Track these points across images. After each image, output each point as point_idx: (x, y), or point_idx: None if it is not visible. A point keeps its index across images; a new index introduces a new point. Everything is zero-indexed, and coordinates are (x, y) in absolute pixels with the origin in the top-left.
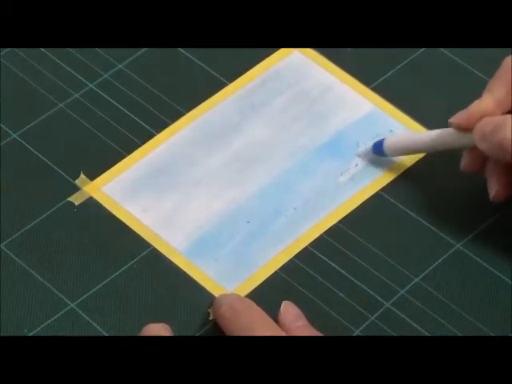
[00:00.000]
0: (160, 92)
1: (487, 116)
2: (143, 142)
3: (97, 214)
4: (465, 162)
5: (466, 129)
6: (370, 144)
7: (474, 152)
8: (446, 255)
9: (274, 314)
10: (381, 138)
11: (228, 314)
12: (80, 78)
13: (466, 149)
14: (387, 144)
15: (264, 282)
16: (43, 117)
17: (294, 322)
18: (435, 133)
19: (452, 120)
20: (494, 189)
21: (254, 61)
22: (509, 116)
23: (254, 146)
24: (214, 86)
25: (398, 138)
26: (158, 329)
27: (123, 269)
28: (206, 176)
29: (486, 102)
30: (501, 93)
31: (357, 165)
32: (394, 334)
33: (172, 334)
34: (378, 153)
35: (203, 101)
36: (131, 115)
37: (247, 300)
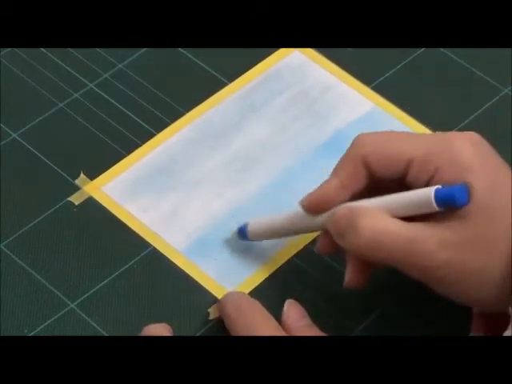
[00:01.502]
0: (160, 92)
1: (333, 199)
2: (143, 142)
3: (97, 214)
4: (319, 244)
5: (315, 212)
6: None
7: (329, 235)
8: None
9: (274, 313)
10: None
11: (233, 313)
12: (80, 77)
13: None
14: (251, 229)
15: (264, 281)
16: (43, 117)
17: (298, 321)
18: (290, 216)
19: (301, 203)
20: (347, 275)
21: (254, 61)
22: (357, 215)
23: (254, 145)
24: (214, 86)
25: (259, 222)
26: (158, 329)
27: (123, 269)
28: (206, 176)
29: (331, 185)
30: (348, 173)
31: None
32: (395, 334)
33: (172, 334)
34: (244, 237)
35: (203, 101)
36: (131, 115)
37: (253, 300)
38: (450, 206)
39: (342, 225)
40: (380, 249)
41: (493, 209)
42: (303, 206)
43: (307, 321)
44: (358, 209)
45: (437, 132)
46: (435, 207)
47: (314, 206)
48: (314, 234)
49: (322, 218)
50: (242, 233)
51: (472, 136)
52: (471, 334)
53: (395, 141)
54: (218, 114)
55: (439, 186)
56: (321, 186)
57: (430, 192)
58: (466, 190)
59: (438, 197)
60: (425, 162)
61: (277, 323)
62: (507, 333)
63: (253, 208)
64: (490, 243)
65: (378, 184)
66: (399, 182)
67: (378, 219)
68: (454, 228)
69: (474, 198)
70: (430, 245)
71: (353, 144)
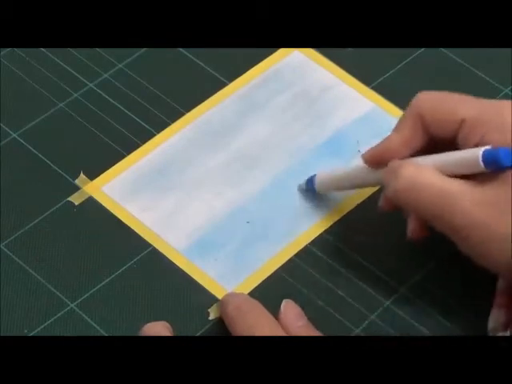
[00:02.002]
0: (160, 92)
1: (394, 154)
2: (143, 142)
3: (97, 214)
4: (381, 202)
5: (375, 166)
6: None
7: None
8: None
9: (274, 313)
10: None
11: (234, 313)
12: (80, 77)
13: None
14: (318, 180)
15: (264, 281)
16: (43, 117)
17: (295, 321)
18: (354, 169)
19: (362, 155)
20: (409, 227)
21: (254, 61)
22: (403, 164)
23: (254, 145)
24: (214, 86)
25: (326, 174)
26: (158, 327)
27: (123, 269)
28: (206, 176)
29: (392, 140)
30: (407, 132)
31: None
32: (395, 334)
33: (172, 333)
34: (310, 189)
35: (203, 101)
36: (131, 115)
37: (254, 301)
38: (496, 166)
39: (389, 172)
40: (416, 197)
41: None
42: (365, 160)
43: (304, 321)
44: (405, 160)
45: (491, 100)
46: (482, 167)
47: (375, 160)
48: (314, 235)
49: (381, 173)
50: (310, 184)
51: None
52: (492, 313)
53: (450, 100)
54: (217, 113)
55: (488, 147)
56: (382, 140)
57: (478, 151)
58: None
59: (486, 156)
60: (476, 124)
61: (277, 323)
62: None
63: (253, 208)
64: None
65: (434, 144)
66: (453, 143)
67: (419, 169)
68: (488, 189)
69: None
70: (463, 201)
71: (412, 102)
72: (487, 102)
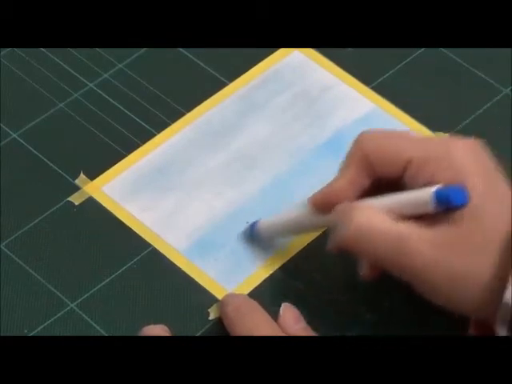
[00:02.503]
0: (160, 92)
1: (340, 197)
2: (143, 142)
3: (97, 214)
4: (329, 244)
5: (322, 210)
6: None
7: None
8: None
9: (273, 314)
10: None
11: (233, 315)
12: (80, 77)
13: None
14: (260, 227)
15: (264, 281)
16: (43, 117)
17: (293, 324)
18: (298, 214)
19: (309, 201)
20: (361, 270)
21: (254, 61)
22: (353, 209)
23: (255, 145)
24: (214, 86)
25: (269, 220)
26: (156, 330)
27: (123, 269)
28: (206, 176)
29: (338, 183)
30: (353, 173)
31: None
32: (394, 334)
33: (170, 336)
34: (252, 237)
35: (203, 101)
36: (131, 115)
37: (253, 302)
38: (449, 205)
39: (337, 218)
40: (368, 243)
41: (485, 215)
42: (311, 204)
43: (303, 324)
44: (355, 204)
45: (437, 135)
46: (433, 206)
47: (322, 204)
48: (314, 235)
49: (329, 216)
50: (251, 231)
51: (471, 143)
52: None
53: (396, 139)
54: (218, 114)
55: (439, 186)
56: (328, 184)
57: (429, 191)
58: (465, 192)
59: (438, 196)
60: (423, 163)
61: (276, 324)
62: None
63: (253, 208)
64: (478, 248)
65: (381, 184)
66: (399, 183)
67: (369, 214)
68: (444, 229)
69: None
70: (418, 243)
71: (354, 142)
72: (433, 140)
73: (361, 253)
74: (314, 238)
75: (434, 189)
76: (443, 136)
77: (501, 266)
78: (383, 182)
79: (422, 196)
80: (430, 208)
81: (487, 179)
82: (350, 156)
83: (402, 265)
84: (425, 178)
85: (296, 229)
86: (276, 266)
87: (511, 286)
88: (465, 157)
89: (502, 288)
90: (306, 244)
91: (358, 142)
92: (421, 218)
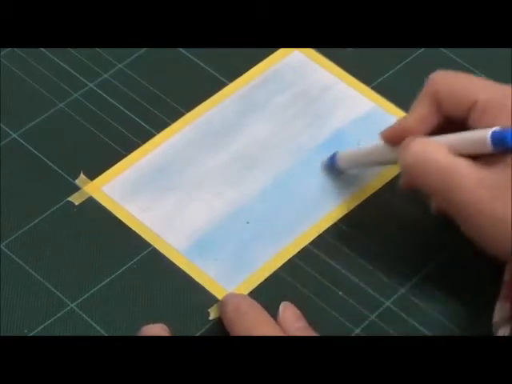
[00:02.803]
0: (160, 92)
1: (410, 132)
2: (143, 142)
3: (97, 214)
4: (401, 180)
5: (393, 144)
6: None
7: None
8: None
9: (273, 313)
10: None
11: (233, 315)
12: (80, 77)
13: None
14: (340, 156)
15: (264, 281)
16: (43, 117)
17: (293, 323)
18: (374, 147)
19: (380, 133)
20: (432, 205)
21: (254, 61)
22: (413, 139)
23: (255, 145)
24: (214, 86)
25: (348, 151)
26: (156, 329)
27: (123, 269)
28: (206, 176)
29: (409, 119)
30: (423, 110)
31: None
32: (395, 334)
33: (170, 334)
34: (333, 166)
35: (203, 101)
36: (131, 115)
37: (253, 302)
38: (504, 147)
39: (401, 148)
40: (422, 171)
41: None
42: (383, 137)
43: (303, 322)
44: (417, 137)
45: (506, 84)
46: (490, 147)
47: (393, 138)
48: (314, 235)
49: (397, 150)
50: (331, 162)
51: None
52: (497, 307)
53: (465, 82)
54: (217, 113)
55: (496, 128)
56: (400, 119)
57: (487, 132)
58: None
59: (494, 137)
60: (487, 107)
61: (276, 324)
62: None
63: (253, 208)
64: None
65: (450, 124)
66: (466, 125)
67: (427, 145)
68: (494, 171)
69: None
70: (468, 180)
71: (427, 80)
72: (500, 86)
73: (416, 180)
74: (313, 238)
75: (491, 130)
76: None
77: None
78: (453, 123)
79: (480, 135)
80: (486, 148)
81: None
82: (422, 93)
83: (450, 198)
84: (487, 121)
85: (371, 160)
86: (276, 266)
87: None
88: None
89: None
90: (305, 243)
91: (430, 81)
92: (479, 158)
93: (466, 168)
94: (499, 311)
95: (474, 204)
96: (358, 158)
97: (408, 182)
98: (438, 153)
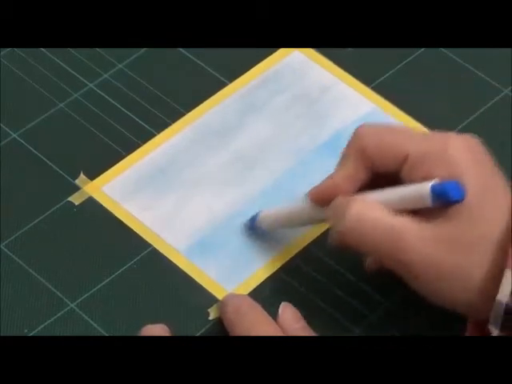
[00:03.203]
0: (160, 92)
1: (338, 191)
2: (143, 142)
3: (97, 214)
4: (330, 239)
5: (320, 204)
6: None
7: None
8: None
9: (273, 314)
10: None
11: (232, 315)
12: (80, 77)
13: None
14: (261, 219)
15: (264, 281)
16: (43, 117)
17: (293, 324)
18: (297, 207)
19: (308, 193)
20: (366, 262)
21: (254, 61)
22: (348, 202)
23: (255, 145)
24: (214, 86)
25: (269, 212)
26: (156, 330)
27: (123, 269)
28: (206, 176)
29: (336, 176)
30: (351, 167)
31: None
32: (395, 334)
33: (170, 335)
34: (253, 228)
35: (203, 101)
36: (131, 115)
37: (253, 302)
38: (445, 200)
39: (334, 211)
40: (363, 235)
41: (480, 212)
42: (310, 198)
43: (302, 323)
44: (352, 198)
45: (435, 131)
46: (430, 201)
47: (321, 198)
48: (313, 236)
49: (327, 210)
50: (252, 223)
51: (468, 139)
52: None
53: (394, 134)
54: (218, 114)
55: (435, 180)
56: (327, 177)
57: (426, 186)
58: (461, 187)
59: (435, 190)
60: (420, 159)
61: (276, 324)
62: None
63: (253, 208)
64: (469, 245)
65: (379, 179)
66: (397, 178)
67: (365, 206)
68: (438, 225)
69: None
70: (412, 237)
71: (353, 136)
72: (431, 135)
73: (357, 245)
74: (313, 238)
75: (430, 183)
76: (441, 132)
77: (494, 265)
78: (381, 177)
79: (419, 190)
80: (427, 202)
81: (484, 177)
82: (349, 149)
83: (396, 258)
84: (421, 174)
85: (295, 221)
86: (276, 267)
87: (504, 286)
88: (462, 153)
89: (494, 287)
90: (305, 244)
91: (357, 136)
92: (417, 213)
93: (409, 226)
94: None
95: (422, 260)
96: (281, 220)
97: (344, 244)
98: (378, 214)
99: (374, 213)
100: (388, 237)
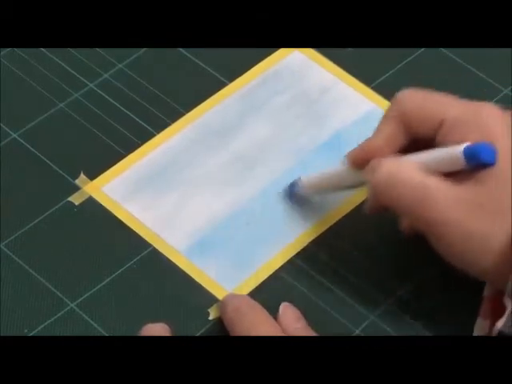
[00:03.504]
0: (160, 92)
1: (377, 154)
2: (143, 142)
3: (97, 214)
4: (366, 204)
5: (359, 166)
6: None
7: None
8: None
9: (273, 314)
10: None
11: (233, 314)
12: (80, 77)
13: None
14: (302, 182)
15: (264, 281)
16: (43, 117)
17: (293, 324)
18: (337, 171)
19: (346, 156)
20: (402, 224)
21: (254, 61)
22: (382, 160)
23: (255, 146)
24: (214, 86)
25: (311, 176)
26: (157, 329)
27: (123, 269)
28: (206, 176)
29: (375, 140)
30: (389, 130)
31: None
32: (395, 334)
33: (171, 334)
34: (293, 194)
35: (203, 101)
36: (131, 115)
37: (253, 302)
38: (477, 162)
39: (370, 168)
40: (394, 191)
41: (508, 178)
42: (349, 160)
43: (303, 323)
44: (387, 157)
45: (471, 101)
46: (462, 162)
47: (359, 160)
48: (314, 235)
49: (365, 172)
50: (292, 189)
51: (501, 110)
52: (477, 323)
53: (432, 100)
54: (218, 114)
55: (468, 143)
56: (366, 140)
57: (459, 148)
58: (493, 150)
59: (467, 152)
60: (455, 124)
61: (276, 324)
62: (500, 322)
63: (253, 208)
64: (497, 210)
65: (417, 143)
66: (434, 144)
67: (398, 164)
68: (467, 187)
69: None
70: (440, 197)
71: (393, 100)
72: (467, 103)
73: (388, 202)
74: (313, 238)
75: (463, 146)
76: (474, 102)
77: None
78: (419, 142)
79: (452, 152)
80: (459, 164)
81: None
82: (388, 113)
83: (424, 216)
84: (456, 138)
85: (336, 185)
86: (276, 267)
87: None
88: (494, 121)
89: None
90: (305, 244)
91: (397, 100)
92: (450, 175)
93: (439, 186)
94: (478, 327)
95: (449, 221)
96: (322, 183)
97: (378, 203)
98: (410, 172)
99: (404, 170)
100: (417, 194)
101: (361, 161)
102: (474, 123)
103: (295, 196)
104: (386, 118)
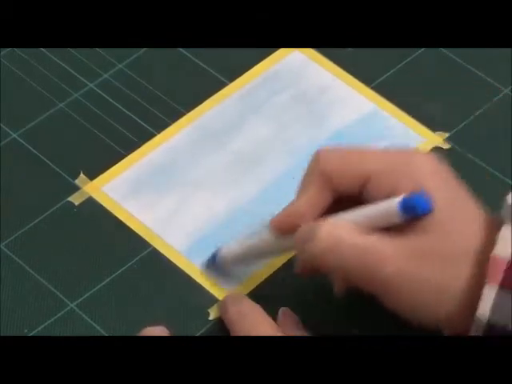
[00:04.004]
0: (160, 92)
1: (302, 218)
2: (143, 142)
3: (97, 214)
4: (297, 268)
5: (284, 233)
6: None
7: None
8: None
9: (273, 314)
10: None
11: (233, 315)
12: (80, 78)
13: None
14: (221, 255)
15: (264, 282)
16: (43, 117)
17: (292, 329)
18: (261, 239)
19: (270, 223)
20: (334, 285)
21: (254, 61)
22: (319, 224)
23: (255, 146)
24: (214, 86)
25: (230, 248)
26: (156, 332)
27: (123, 269)
28: (206, 176)
29: (299, 203)
30: (313, 192)
31: None
32: (394, 333)
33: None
34: (215, 266)
35: (203, 101)
36: (131, 115)
37: (253, 303)
38: (414, 214)
39: (302, 237)
40: (336, 257)
41: (451, 224)
42: (273, 227)
43: (301, 329)
44: (319, 222)
45: (438, 135)
46: (399, 216)
47: (284, 227)
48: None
49: (293, 239)
50: (213, 261)
51: (430, 155)
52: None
53: (354, 154)
54: (218, 114)
55: (404, 195)
56: (288, 205)
57: (395, 200)
58: (429, 199)
59: (404, 204)
60: (384, 175)
61: (276, 325)
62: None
63: (253, 208)
64: (444, 257)
65: (341, 201)
66: (360, 199)
67: (335, 228)
68: (410, 240)
69: (433, 212)
70: (384, 254)
71: (312, 160)
72: (392, 152)
73: (329, 268)
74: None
75: (399, 198)
76: (402, 148)
77: (471, 277)
78: (344, 199)
79: (388, 206)
80: (397, 218)
81: (450, 189)
82: (309, 174)
83: (370, 277)
84: (386, 190)
85: (260, 254)
86: (276, 267)
87: (484, 303)
88: (425, 167)
89: (472, 302)
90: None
91: (317, 160)
92: (387, 230)
93: (383, 241)
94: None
95: (401, 273)
96: (243, 253)
97: (316, 267)
98: (351, 233)
99: (344, 233)
100: (361, 256)
101: (286, 227)
102: (403, 172)
103: (217, 268)
104: (307, 178)
